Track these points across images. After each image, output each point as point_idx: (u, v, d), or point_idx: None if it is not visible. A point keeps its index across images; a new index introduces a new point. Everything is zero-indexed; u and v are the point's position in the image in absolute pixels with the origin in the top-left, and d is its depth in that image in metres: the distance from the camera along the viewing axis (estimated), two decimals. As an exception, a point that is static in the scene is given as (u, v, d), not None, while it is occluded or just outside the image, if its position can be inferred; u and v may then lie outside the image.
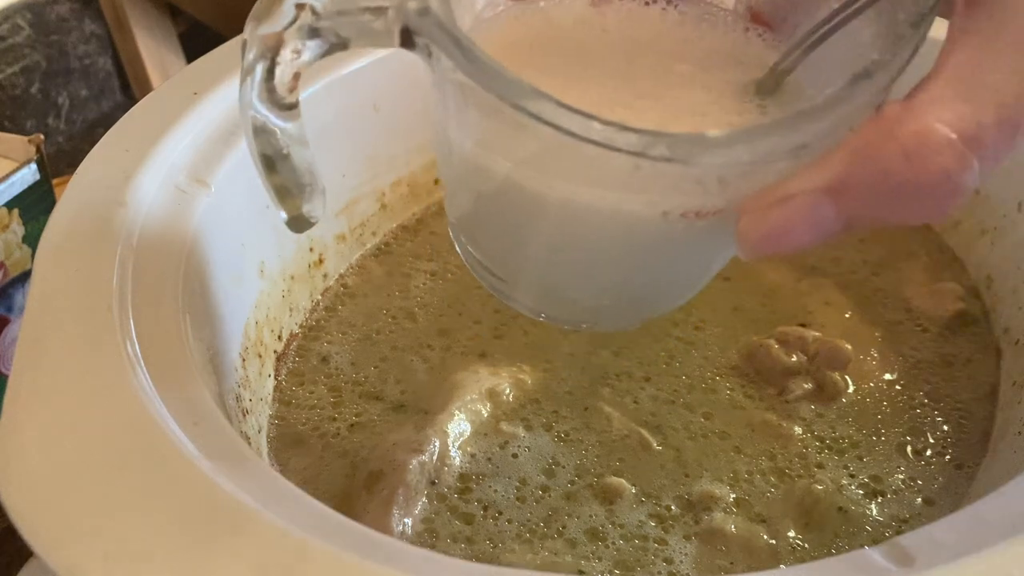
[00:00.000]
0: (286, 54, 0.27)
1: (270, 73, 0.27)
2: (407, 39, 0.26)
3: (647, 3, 0.33)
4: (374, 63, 0.45)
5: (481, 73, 0.25)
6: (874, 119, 0.25)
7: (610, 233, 0.28)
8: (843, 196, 0.25)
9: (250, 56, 0.27)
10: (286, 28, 0.26)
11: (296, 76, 0.27)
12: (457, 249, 0.34)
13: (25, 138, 0.48)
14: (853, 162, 0.25)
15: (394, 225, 0.50)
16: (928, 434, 0.39)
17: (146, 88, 0.97)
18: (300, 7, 0.26)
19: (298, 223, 0.31)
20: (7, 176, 0.47)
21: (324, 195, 0.31)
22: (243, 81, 0.27)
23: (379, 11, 0.26)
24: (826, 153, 0.25)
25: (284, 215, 0.31)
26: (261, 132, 0.28)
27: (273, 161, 0.29)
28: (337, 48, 0.27)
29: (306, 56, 0.27)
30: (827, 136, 0.25)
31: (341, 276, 0.47)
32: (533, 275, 0.32)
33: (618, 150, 0.24)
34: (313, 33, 0.27)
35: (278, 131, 0.28)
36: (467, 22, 0.29)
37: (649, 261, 0.30)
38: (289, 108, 0.28)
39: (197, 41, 1.00)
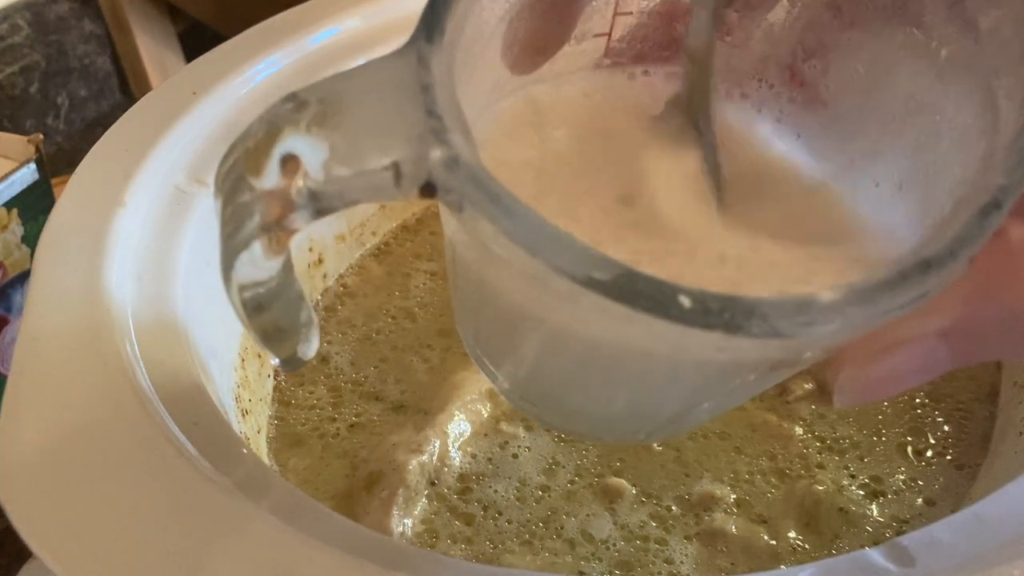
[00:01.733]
0: (288, 220, 0.21)
1: (260, 233, 0.22)
2: (428, 191, 0.21)
3: (645, 73, 0.29)
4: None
5: (533, 240, 0.20)
6: (995, 248, 0.21)
7: (679, 382, 0.25)
8: (959, 339, 0.22)
9: (250, 226, 0.21)
10: (282, 188, 0.21)
11: (293, 232, 0.22)
12: (472, 359, 0.30)
13: (24, 138, 0.48)
14: (975, 301, 0.22)
15: (394, 225, 0.50)
16: (929, 434, 0.39)
17: (145, 88, 0.97)
18: (288, 161, 0.21)
19: (291, 363, 0.27)
20: (6, 176, 0.47)
21: (317, 328, 0.26)
22: (232, 252, 0.22)
23: (393, 167, 0.21)
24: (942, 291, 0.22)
25: (276, 359, 0.26)
26: (249, 287, 0.23)
27: (262, 306, 0.24)
28: (343, 207, 0.22)
29: (304, 218, 0.22)
30: (947, 279, 0.21)
31: (341, 276, 0.47)
32: (544, 393, 0.29)
33: (711, 329, 0.20)
34: (314, 197, 0.21)
35: (267, 278, 0.23)
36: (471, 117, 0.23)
37: (714, 401, 0.27)
38: (278, 254, 0.23)
39: (197, 41, 1.00)
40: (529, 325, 0.24)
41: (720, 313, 0.20)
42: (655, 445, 0.38)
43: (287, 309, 0.24)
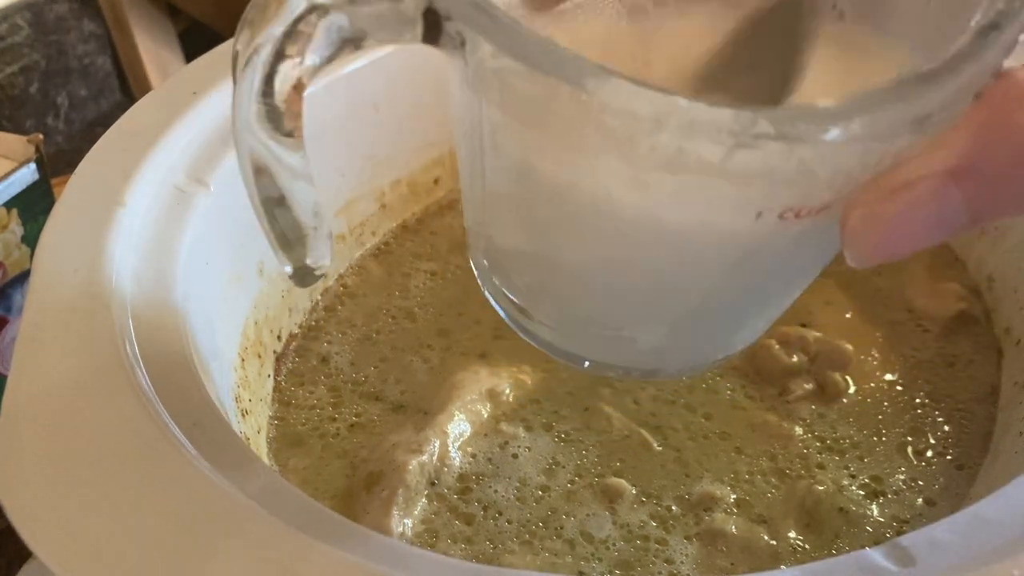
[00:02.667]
0: (287, 62, 0.23)
1: (268, 84, 0.23)
2: (432, 26, 0.22)
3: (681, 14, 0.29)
4: (374, 62, 0.45)
5: (531, 51, 0.21)
6: (1002, 84, 0.21)
7: (693, 246, 0.24)
8: (972, 180, 0.21)
9: (242, 64, 0.23)
10: (287, 29, 0.22)
11: (300, 88, 0.23)
12: (485, 293, 0.29)
13: (24, 138, 0.48)
14: (982, 137, 0.21)
15: (394, 225, 0.50)
16: (929, 434, 0.39)
17: (145, 88, 0.97)
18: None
19: (303, 275, 0.27)
20: (6, 176, 0.47)
21: (331, 240, 0.27)
22: (236, 99, 0.23)
23: None
24: (948, 130, 0.21)
25: (288, 268, 0.27)
26: (260, 172, 0.25)
27: (273, 202, 0.25)
28: (348, 45, 0.23)
29: (311, 60, 0.23)
30: (951, 105, 0.21)
31: (341, 276, 0.47)
32: (583, 308, 0.28)
33: (709, 134, 0.20)
34: (320, 29, 0.23)
35: (279, 166, 0.25)
36: None
37: (732, 280, 0.26)
38: (291, 135, 0.24)
39: (197, 41, 1.00)
40: (535, 185, 0.24)
41: (718, 114, 0.20)
42: (655, 445, 0.38)
43: (299, 214, 0.26)
